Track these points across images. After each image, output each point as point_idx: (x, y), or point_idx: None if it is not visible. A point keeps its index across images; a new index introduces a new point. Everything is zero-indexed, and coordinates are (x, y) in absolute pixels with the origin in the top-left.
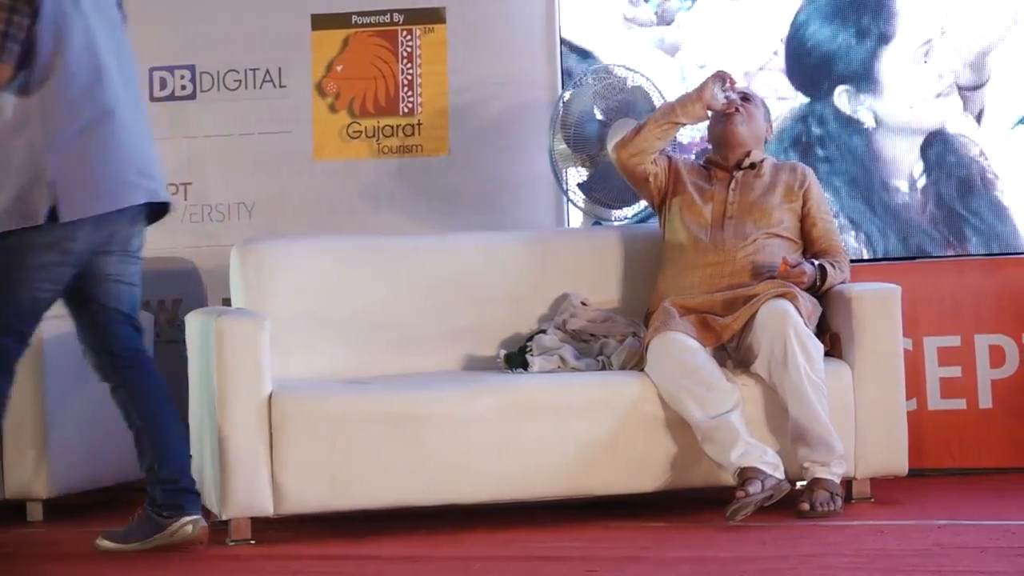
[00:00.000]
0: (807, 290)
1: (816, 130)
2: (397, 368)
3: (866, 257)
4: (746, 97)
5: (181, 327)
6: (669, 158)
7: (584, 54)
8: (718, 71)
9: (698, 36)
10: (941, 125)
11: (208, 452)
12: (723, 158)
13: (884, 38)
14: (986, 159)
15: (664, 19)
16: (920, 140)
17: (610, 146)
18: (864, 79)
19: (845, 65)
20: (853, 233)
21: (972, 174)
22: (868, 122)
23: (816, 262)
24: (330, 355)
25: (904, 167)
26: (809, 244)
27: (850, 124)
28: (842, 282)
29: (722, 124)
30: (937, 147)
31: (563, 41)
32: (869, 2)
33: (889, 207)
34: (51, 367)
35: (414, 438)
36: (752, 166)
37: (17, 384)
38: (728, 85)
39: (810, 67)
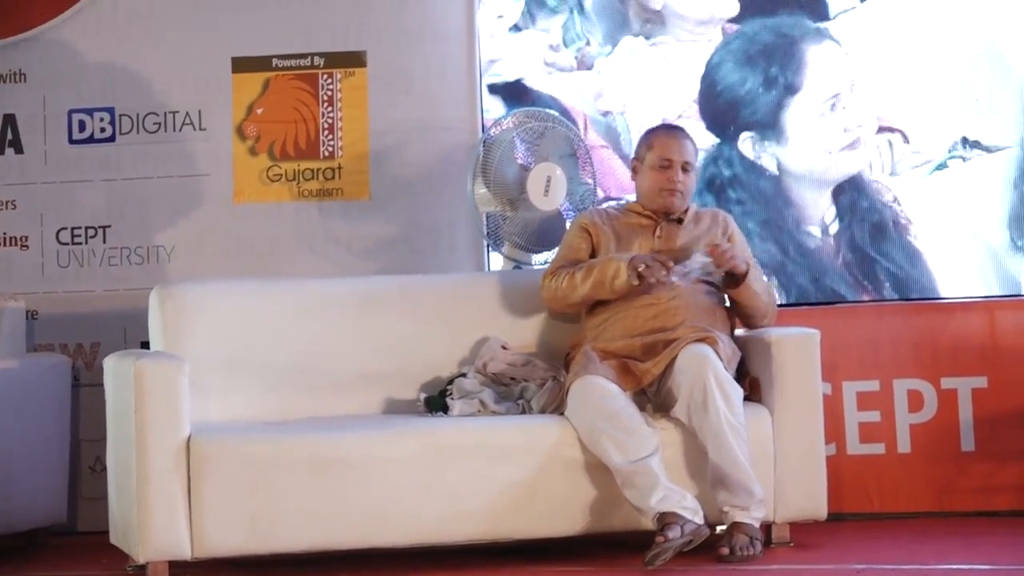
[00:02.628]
0: (732, 282)
1: (726, 172)
2: (317, 411)
3: (781, 301)
4: (686, 167)
5: (99, 370)
6: (588, 232)
7: (511, 97)
8: (653, 262)
9: (618, 82)
10: (847, 175)
11: (126, 495)
12: (650, 210)
13: (791, 88)
14: (899, 205)
15: (584, 64)
16: (826, 189)
17: (543, 283)
18: (769, 127)
19: (751, 112)
20: (765, 277)
21: (885, 219)
22: (771, 168)
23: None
24: (249, 398)
25: (815, 212)
26: None
27: (755, 169)
28: (767, 291)
29: (662, 200)
30: (850, 193)
31: (490, 86)
32: (779, 52)
33: (802, 251)
34: None
35: (334, 481)
36: (679, 220)
37: None
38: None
39: (720, 109)
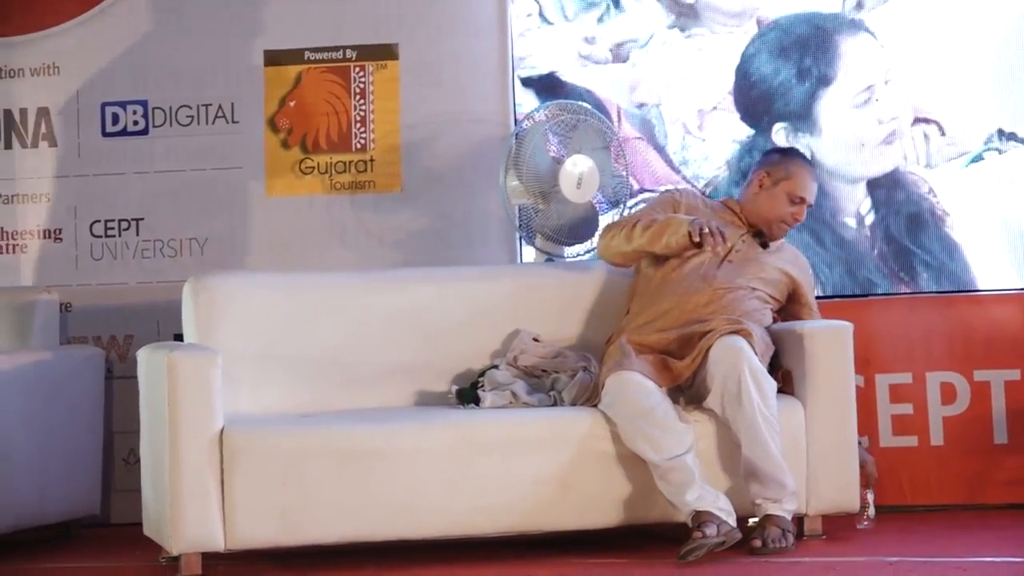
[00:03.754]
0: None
1: None
2: (349, 403)
3: (816, 294)
4: (808, 206)
5: (133, 362)
6: (677, 203)
7: (544, 90)
8: (717, 232)
9: (653, 74)
10: (882, 168)
11: (159, 487)
12: (749, 221)
13: (825, 80)
14: (935, 197)
15: (620, 57)
16: (861, 181)
17: (604, 230)
18: (802, 118)
19: (784, 103)
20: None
21: (921, 211)
22: None
23: None
24: (282, 390)
25: (849, 205)
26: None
27: None
28: None
29: (775, 229)
30: (885, 185)
31: (523, 80)
32: (813, 43)
33: (838, 242)
34: None
35: (365, 473)
36: (765, 245)
37: None
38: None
39: (753, 100)
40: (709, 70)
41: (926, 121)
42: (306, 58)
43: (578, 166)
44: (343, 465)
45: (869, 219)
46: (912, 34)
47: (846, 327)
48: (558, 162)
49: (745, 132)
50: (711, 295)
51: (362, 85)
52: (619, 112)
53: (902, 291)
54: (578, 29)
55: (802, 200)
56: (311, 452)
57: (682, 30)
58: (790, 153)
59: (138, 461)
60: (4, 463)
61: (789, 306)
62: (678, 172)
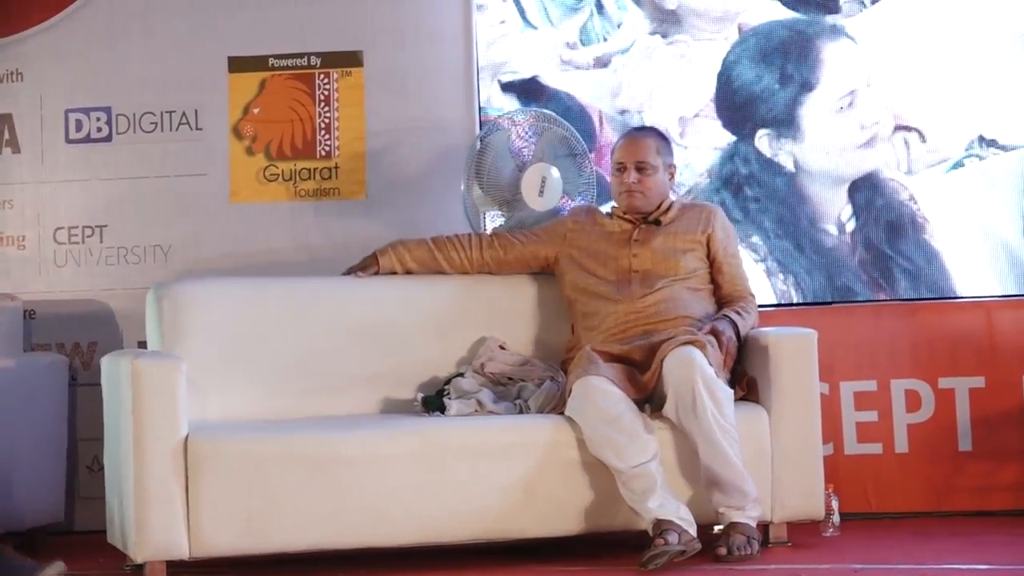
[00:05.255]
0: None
1: (743, 170)
2: (314, 410)
3: (786, 301)
4: (640, 167)
5: (97, 369)
6: (555, 239)
7: (526, 95)
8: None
9: (635, 80)
10: (863, 173)
11: (124, 494)
12: (629, 214)
13: (807, 86)
14: (915, 203)
15: (602, 63)
16: (843, 186)
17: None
18: (785, 124)
19: (767, 109)
20: (781, 276)
21: (901, 217)
22: (788, 166)
23: (726, 316)
24: (247, 397)
25: (831, 210)
26: (716, 288)
27: (771, 167)
28: (752, 327)
29: (623, 202)
30: (865, 191)
31: (504, 84)
32: (794, 49)
33: (818, 249)
34: None
35: (331, 481)
36: (657, 222)
37: None
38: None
39: (735, 107)
40: (691, 77)
41: (907, 128)
42: (270, 65)
43: (540, 174)
44: (309, 472)
45: (850, 226)
46: (893, 40)
47: (810, 334)
48: (520, 170)
49: (727, 139)
50: (643, 306)
51: (327, 92)
52: (601, 117)
53: (870, 298)
54: (561, 34)
55: (622, 165)
56: (277, 459)
57: (664, 36)
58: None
59: (102, 468)
60: None
61: (712, 272)
62: None
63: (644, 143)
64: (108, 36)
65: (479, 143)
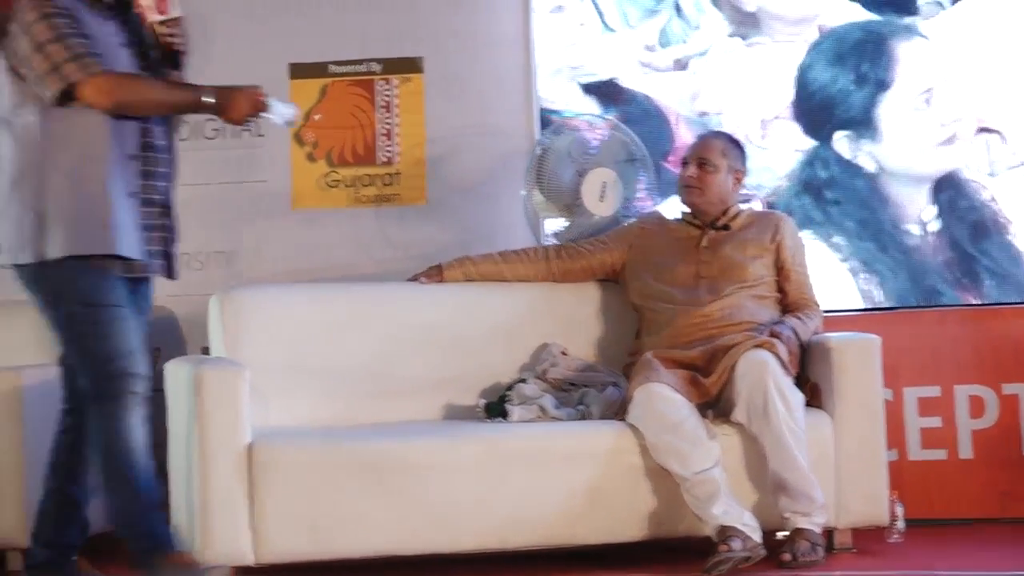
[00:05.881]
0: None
1: (822, 173)
2: (376, 417)
3: (870, 302)
4: (702, 162)
5: (160, 376)
6: (622, 246)
7: (604, 97)
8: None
9: (714, 83)
10: (944, 171)
11: (188, 501)
12: (695, 217)
13: (883, 85)
14: (997, 204)
15: (681, 65)
16: (924, 186)
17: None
18: (863, 125)
19: (844, 110)
20: (864, 276)
21: (984, 218)
22: (868, 167)
23: (788, 324)
24: (310, 403)
25: (912, 211)
26: (782, 296)
27: (852, 168)
28: (815, 332)
29: (682, 196)
30: (948, 191)
31: (584, 86)
32: (869, 48)
33: (900, 249)
34: (30, 414)
35: (394, 487)
36: (726, 227)
37: None
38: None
39: (813, 110)
40: (771, 78)
41: (988, 130)
42: (331, 71)
43: (601, 179)
44: (372, 479)
45: (932, 226)
46: (970, 41)
47: (874, 340)
48: (581, 175)
49: (807, 141)
50: (709, 312)
51: (387, 98)
52: (677, 119)
53: (944, 303)
54: (640, 37)
55: (685, 161)
56: (340, 466)
57: (743, 38)
58: None
59: (166, 475)
60: (36, 474)
61: (779, 279)
62: None
63: (711, 142)
64: None
65: (539, 148)
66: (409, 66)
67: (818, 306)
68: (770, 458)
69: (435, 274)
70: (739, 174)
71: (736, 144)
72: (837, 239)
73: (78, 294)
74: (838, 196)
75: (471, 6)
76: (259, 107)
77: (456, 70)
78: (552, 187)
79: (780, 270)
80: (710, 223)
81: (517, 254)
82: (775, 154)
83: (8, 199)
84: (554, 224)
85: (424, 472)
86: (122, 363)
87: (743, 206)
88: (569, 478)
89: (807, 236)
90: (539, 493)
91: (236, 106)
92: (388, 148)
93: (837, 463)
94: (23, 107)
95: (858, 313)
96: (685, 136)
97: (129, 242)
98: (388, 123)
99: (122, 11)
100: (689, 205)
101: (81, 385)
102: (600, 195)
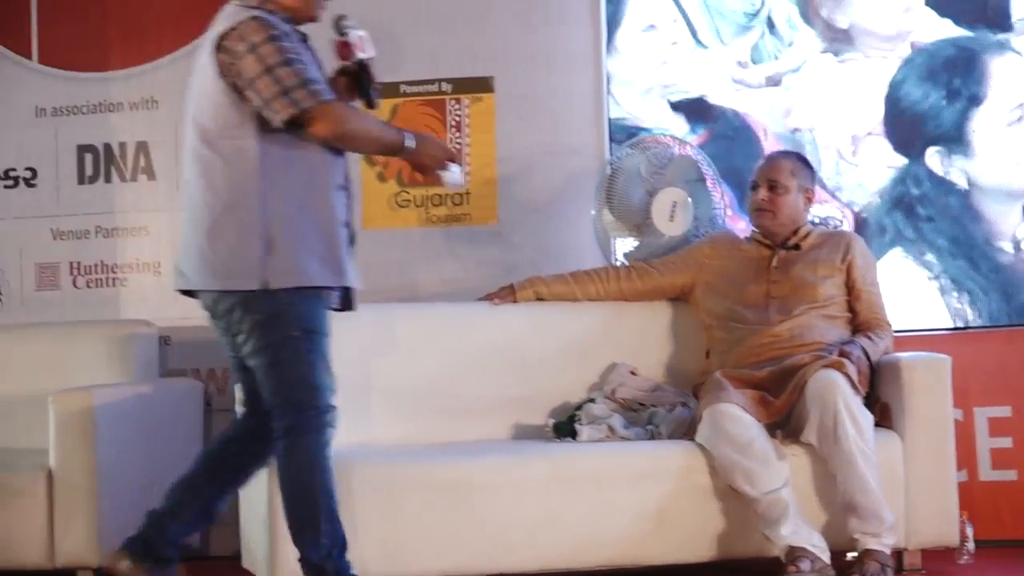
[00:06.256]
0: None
1: (914, 190)
2: (446, 436)
3: (963, 321)
4: (772, 185)
5: (231, 395)
6: (693, 265)
7: (694, 114)
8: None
9: (806, 99)
10: None
11: (258, 520)
12: (766, 237)
13: (975, 100)
14: None
15: (773, 81)
16: (1017, 203)
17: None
18: (955, 141)
19: (936, 126)
20: (956, 294)
21: None
22: (961, 183)
23: (857, 340)
24: (379, 422)
25: (1005, 228)
26: (853, 316)
27: (944, 185)
28: (884, 352)
29: (754, 221)
30: None
31: (673, 104)
32: (961, 64)
33: (993, 267)
34: (102, 434)
35: (463, 506)
36: (796, 247)
37: (67, 451)
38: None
39: (905, 126)
40: (863, 95)
41: None
42: (402, 91)
43: (671, 198)
44: (441, 498)
45: None
46: None
47: (944, 360)
48: (651, 194)
49: (899, 159)
50: (779, 332)
51: (458, 118)
52: (766, 134)
53: (1004, 323)
54: (732, 53)
55: (755, 184)
56: (409, 485)
57: (835, 55)
58: None
59: (236, 494)
60: (107, 494)
61: (849, 299)
62: (834, 197)
63: (780, 163)
64: None
65: (609, 167)
66: (480, 86)
67: (889, 325)
68: (839, 479)
69: (507, 294)
70: (809, 193)
71: (805, 163)
72: (928, 257)
73: (297, 320)
74: (930, 213)
75: (541, 25)
76: (450, 157)
77: (526, 89)
78: (622, 206)
79: (851, 290)
80: (781, 243)
81: (588, 274)
82: (867, 170)
83: (221, 222)
84: (624, 244)
85: (492, 492)
86: (327, 395)
87: (809, 224)
88: (638, 498)
89: (898, 253)
90: (607, 513)
91: (430, 155)
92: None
93: (907, 484)
94: (238, 128)
95: (928, 333)
96: None
97: (352, 273)
98: (459, 143)
99: (306, 40)
100: (760, 228)
101: (270, 409)
102: (670, 215)
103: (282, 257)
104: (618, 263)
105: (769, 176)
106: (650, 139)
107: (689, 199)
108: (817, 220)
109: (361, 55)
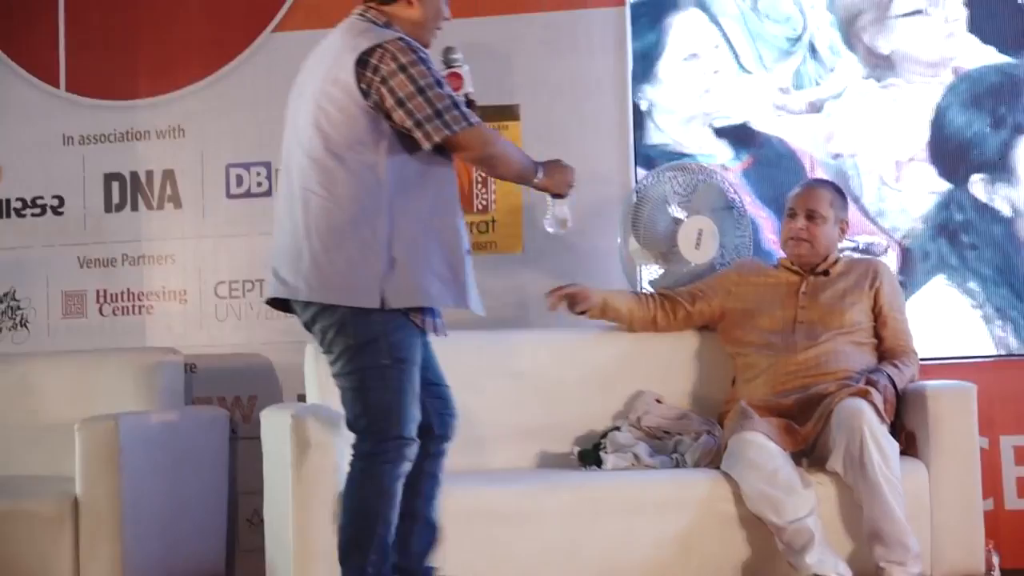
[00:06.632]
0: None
1: (958, 216)
2: (471, 464)
3: (1005, 349)
4: (811, 215)
5: (257, 423)
6: (721, 292)
7: (737, 140)
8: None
9: (848, 125)
10: None
11: (284, 548)
12: (796, 265)
13: (1020, 128)
14: None
15: (815, 107)
16: None
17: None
18: (999, 168)
19: (980, 153)
20: (999, 323)
21: None
22: (1005, 211)
23: (883, 369)
24: None
25: None
26: (879, 342)
27: (988, 212)
28: (911, 380)
29: (789, 249)
30: None
31: (717, 130)
32: (1005, 91)
33: None
34: (126, 460)
35: (488, 534)
36: (825, 273)
37: (93, 478)
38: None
39: (948, 153)
40: (906, 120)
41: None
42: None
43: (697, 226)
44: (465, 526)
45: None
46: None
47: (970, 388)
48: (677, 223)
49: (943, 185)
50: (805, 358)
51: None
52: (812, 162)
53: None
54: (774, 79)
55: (793, 212)
56: None
57: (878, 80)
58: None
59: (262, 521)
60: (132, 521)
61: (876, 326)
62: (875, 223)
63: (818, 192)
64: (267, 91)
65: (635, 195)
66: (506, 113)
67: (915, 353)
68: (865, 507)
69: (581, 292)
70: (844, 224)
71: (840, 193)
72: (972, 284)
73: (390, 348)
74: (974, 240)
75: (567, 53)
76: (572, 184)
77: (552, 117)
78: (648, 234)
79: (877, 316)
80: (810, 270)
81: (637, 296)
82: (910, 196)
83: (342, 235)
84: (649, 271)
85: (517, 520)
86: (410, 427)
87: (839, 253)
88: (663, 526)
89: (941, 281)
90: (632, 541)
91: (560, 180)
92: (484, 196)
93: (932, 512)
94: (370, 145)
95: (955, 361)
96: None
97: (475, 298)
98: None
99: None
100: (795, 257)
101: (351, 430)
102: (696, 243)
103: (403, 277)
104: (643, 291)
105: (808, 206)
106: (676, 167)
107: (715, 227)
108: (861, 246)
109: (470, 89)
